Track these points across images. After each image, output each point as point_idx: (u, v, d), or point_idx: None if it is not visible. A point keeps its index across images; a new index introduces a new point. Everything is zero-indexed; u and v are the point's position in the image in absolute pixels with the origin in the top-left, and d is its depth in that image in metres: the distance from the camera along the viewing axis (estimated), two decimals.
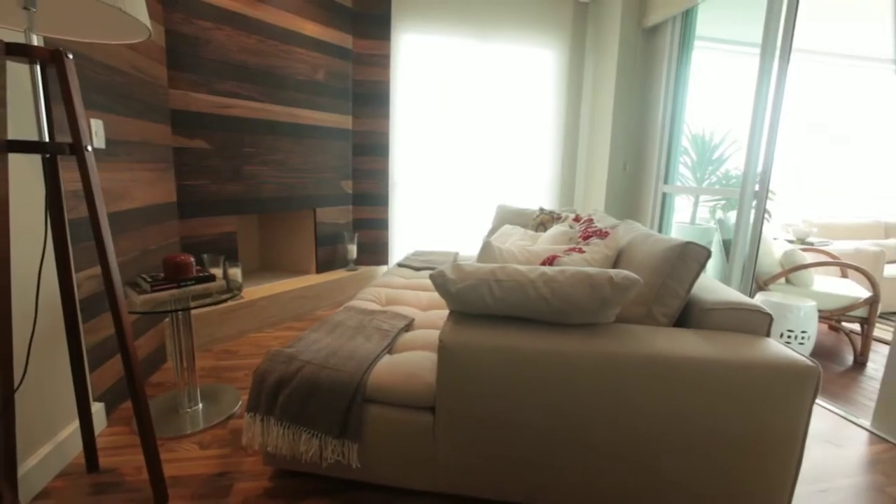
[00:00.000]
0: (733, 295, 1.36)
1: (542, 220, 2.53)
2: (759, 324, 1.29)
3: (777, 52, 2.37)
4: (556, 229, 2.04)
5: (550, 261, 1.48)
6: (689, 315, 1.39)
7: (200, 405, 1.92)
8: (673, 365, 1.16)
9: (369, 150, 3.56)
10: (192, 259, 1.82)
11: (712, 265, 3.12)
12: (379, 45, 3.44)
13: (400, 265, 2.78)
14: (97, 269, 1.76)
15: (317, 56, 3.09)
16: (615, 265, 1.61)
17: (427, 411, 1.31)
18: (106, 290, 1.26)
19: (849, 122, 4.75)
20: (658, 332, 1.27)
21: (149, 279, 1.74)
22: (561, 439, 1.23)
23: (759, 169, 2.45)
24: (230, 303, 2.62)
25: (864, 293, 2.64)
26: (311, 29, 3.02)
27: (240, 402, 1.96)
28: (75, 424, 1.60)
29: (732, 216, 2.65)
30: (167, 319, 2.40)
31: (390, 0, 3.39)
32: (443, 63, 3.67)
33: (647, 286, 1.37)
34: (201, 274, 1.83)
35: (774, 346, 1.20)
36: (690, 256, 1.32)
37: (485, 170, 3.88)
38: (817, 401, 2.11)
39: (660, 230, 3.36)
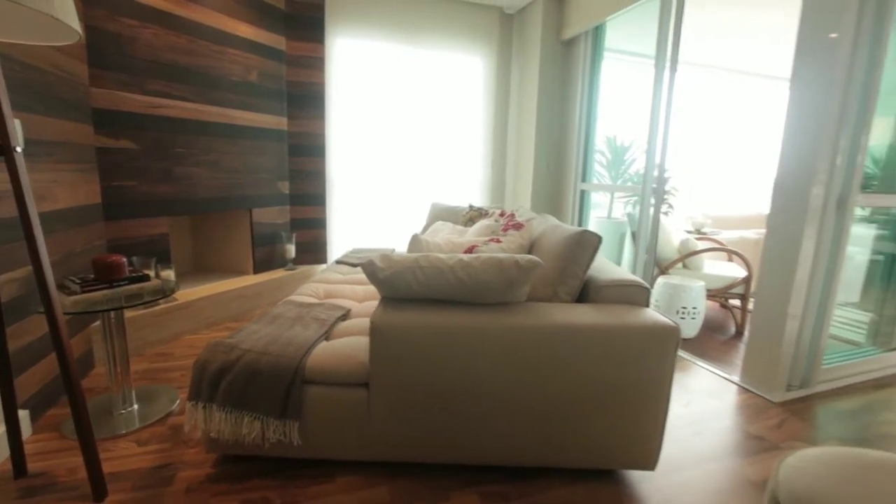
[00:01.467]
0: (621, 274, 1.62)
1: (471, 216, 2.74)
2: (640, 296, 1.56)
3: (667, 64, 2.74)
4: (481, 223, 2.25)
5: (470, 250, 1.68)
6: (587, 292, 1.63)
7: (136, 406, 1.92)
8: (569, 333, 1.39)
9: (306, 151, 3.60)
10: (125, 259, 1.83)
11: (626, 252, 3.50)
12: (313, 48, 3.50)
13: (338, 262, 2.88)
14: (17, 273, 1.72)
15: (250, 57, 3.11)
16: (529, 253, 1.84)
17: (362, 387, 1.45)
18: (39, 290, 1.28)
19: (740, 127, 5.45)
20: (560, 307, 1.50)
21: (77, 280, 1.73)
22: (478, 402, 1.43)
23: (656, 168, 2.82)
24: (164, 305, 2.59)
25: (742, 273, 3.10)
26: (243, 30, 3.03)
27: (178, 401, 1.98)
28: (1, 430, 1.57)
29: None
30: (96, 323, 2.34)
31: (323, 4, 3.47)
32: (377, 67, 3.79)
33: (552, 270, 1.59)
34: (134, 274, 1.84)
35: (649, 313, 1.47)
36: (586, 243, 1.56)
37: (420, 170, 4.06)
38: (704, 364, 2.48)
39: (579, 224, 3.71)
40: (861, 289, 2.80)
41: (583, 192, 3.66)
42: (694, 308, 2.82)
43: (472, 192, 4.24)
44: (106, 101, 2.39)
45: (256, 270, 3.36)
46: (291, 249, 3.51)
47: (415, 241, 1.74)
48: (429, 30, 3.86)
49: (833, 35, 1.87)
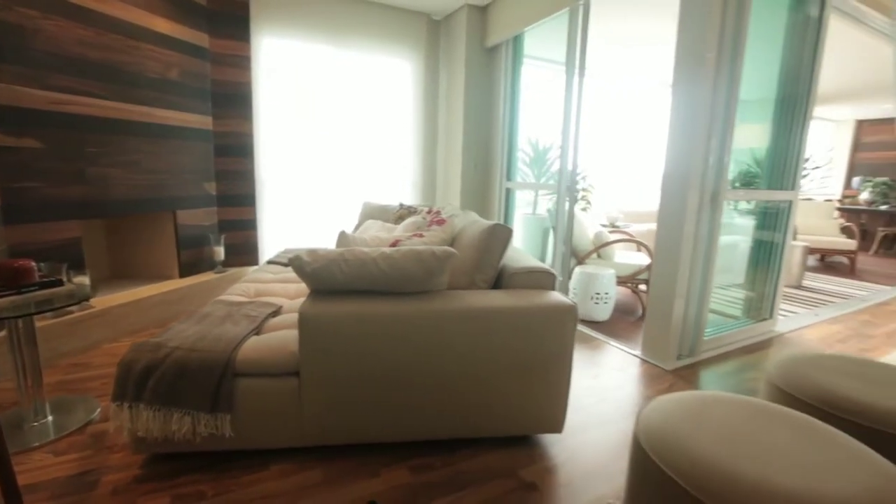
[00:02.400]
0: (531, 262, 1.82)
1: (401, 214, 2.86)
2: (547, 281, 1.76)
3: (576, 70, 3.02)
4: (409, 220, 2.38)
5: (395, 244, 1.80)
6: (502, 279, 1.81)
7: (50, 418, 1.84)
8: (484, 315, 1.55)
9: (233, 151, 3.54)
10: (34, 264, 1.75)
11: (549, 245, 3.78)
12: (238, 46, 3.44)
13: (269, 262, 2.88)
14: None
15: (170, 54, 3.01)
16: (451, 246, 1.99)
17: (292, 376, 1.53)
18: None
19: (647, 129, 6.02)
20: (477, 293, 1.66)
21: None
22: (405, 383, 1.55)
23: (570, 167, 3.10)
24: (79, 313, 2.46)
25: (647, 261, 3.48)
26: (161, 25, 2.93)
27: (99, 409, 1.92)
28: None
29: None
30: (2, 333, 2.18)
31: (248, 2, 3.42)
32: (307, 67, 3.80)
33: (469, 260, 1.76)
34: (46, 279, 1.77)
35: (553, 295, 1.67)
36: (498, 235, 1.74)
37: (352, 170, 4.11)
38: (614, 343, 2.78)
39: (505, 220, 3.95)
40: (745, 271, 3.26)
41: (508, 190, 3.90)
42: (606, 293, 3.13)
43: (404, 191, 4.36)
44: (4, 97, 2.24)
45: (183, 274, 3.25)
46: (220, 251, 3.43)
47: (342, 237, 1.83)
48: (358, 33, 3.93)
49: (702, 54, 2.20)
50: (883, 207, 6.79)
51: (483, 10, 3.84)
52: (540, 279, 1.75)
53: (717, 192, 2.39)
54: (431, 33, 4.22)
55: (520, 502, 1.43)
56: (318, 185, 4.01)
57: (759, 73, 2.86)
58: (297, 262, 1.49)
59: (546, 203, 4.23)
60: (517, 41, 3.73)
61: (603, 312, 3.16)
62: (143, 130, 2.87)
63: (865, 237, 7.20)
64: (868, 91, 6.18)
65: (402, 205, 3.06)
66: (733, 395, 1.16)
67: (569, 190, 3.13)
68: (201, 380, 1.45)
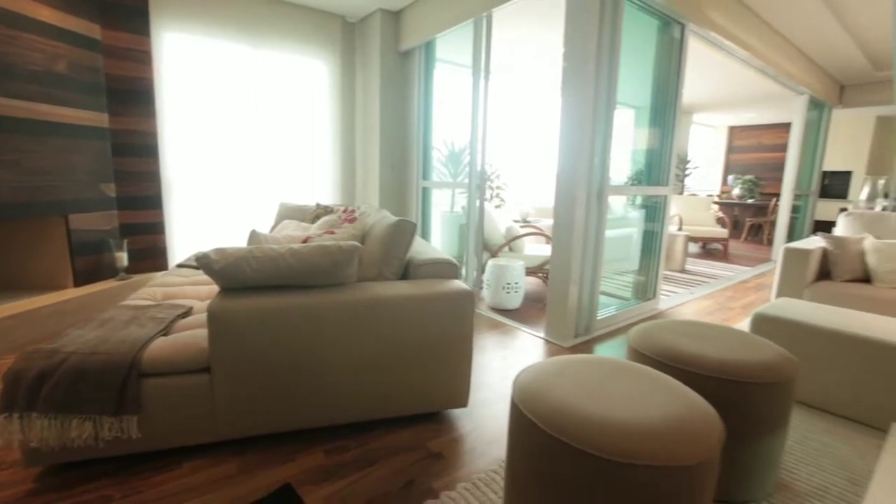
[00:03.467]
0: (436, 254, 1.99)
1: (318, 214, 2.91)
2: (450, 271, 1.93)
3: (482, 73, 3.26)
4: (324, 219, 2.45)
5: (305, 241, 1.88)
6: (409, 271, 1.96)
7: None
8: (389, 303, 1.69)
9: (135, 151, 3.34)
10: None
11: (466, 239, 3.99)
12: (137, 40, 3.26)
13: (180, 266, 2.79)
14: None
15: (55, 45, 2.79)
16: (363, 242, 2.10)
17: (203, 372, 1.56)
18: None
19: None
20: (384, 284, 1.79)
21: None
22: (317, 371, 1.64)
23: (479, 166, 3.34)
24: None
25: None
26: (44, 13, 2.72)
27: None
28: None
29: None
30: None
31: None
32: (217, 65, 3.68)
33: (377, 253, 1.88)
34: None
35: (454, 283, 1.85)
36: (403, 229, 1.88)
37: (269, 171, 4.05)
38: (524, 328, 3.05)
39: (422, 218, 4.12)
40: (638, 258, 3.70)
41: (425, 189, 4.08)
42: (516, 283, 3.41)
43: (325, 191, 4.37)
44: None
45: (79, 282, 3.03)
46: (123, 257, 3.24)
47: (253, 236, 1.87)
48: (270, 31, 3.87)
49: (583, 65, 2.51)
50: (750, 201, 7.92)
51: (396, 16, 3.97)
52: (443, 269, 1.92)
53: (602, 188, 2.73)
54: (347, 35, 4.27)
55: (426, 469, 1.59)
56: (233, 187, 3.90)
57: (638, 85, 3.28)
58: (204, 261, 1.52)
59: (463, 201, 4.46)
60: (429, 46, 3.91)
61: (514, 301, 3.43)
62: (24, 127, 2.64)
63: (737, 226, 8.35)
64: (736, 102, 7.19)
65: (318, 205, 3.10)
66: (595, 356, 1.40)
67: (479, 188, 3.36)
68: (103, 382, 1.43)
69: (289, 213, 3.18)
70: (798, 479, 1.58)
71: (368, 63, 4.13)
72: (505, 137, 6.00)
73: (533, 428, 1.11)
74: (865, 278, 2.87)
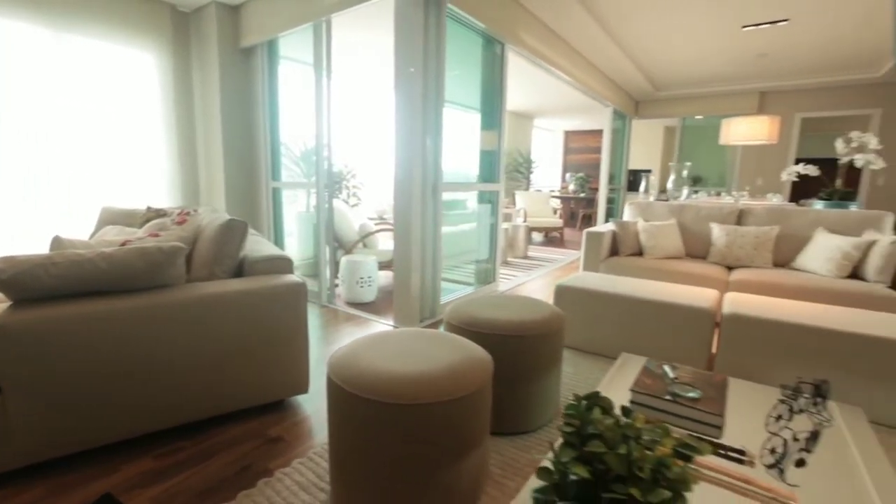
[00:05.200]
0: (270, 250, 2.06)
1: (149, 218, 2.73)
2: (284, 266, 2.03)
3: (324, 73, 3.36)
4: (153, 223, 2.33)
5: (124, 244, 1.80)
6: (244, 269, 2.00)
7: None
8: (220, 300, 1.73)
9: None
10: None
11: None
12: None
13: None
14: None
15: None
16: (195, 244, 2.07)
17: None
18: None
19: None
20: (216, 283, 1.82)
21: None
22: (137, 378, 1.61)
23: (326, 165, 3.44)
24: None
25: None
26: None
27: None
28: None
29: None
30: None
31: None
32: (12, 51, 3.14)
33: (208, 253, 1.89)
34: None
35: (287, 277, 1.95)
36: (234, 229, 1.92)
37: (88, 172, 3.59)
38: (376, 319, 3.24)
39: (274, 219, 4.07)
40: (480, 247, 4.15)
41: (275, 190, 4.03)
42: (370, 277, 3.60)
43: (162, 193, 4.02)
44: None
45: None
46: None
47: (55, 242, 1.73)
48: (81, 15, 3.43)
49: (412, 69, 2.78)
50: (582, 195, 9.30)
51: (235, 10, 3.84)
52: (278, 265, 2.01)
53: (437, 183, 3.05)
54: (179, 26, 3.98)
55: (265, 454, 1.68)
56: (37, 190, 3.37)
57: (472, 91, 3.70)
58: None
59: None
60: (272, 44, 3.86)
61: (368, 294, 3.62)
62: None
63: (574, 217, 9.74)
64: (563, 110, 8.39)
65: (149, 208, 2.89)
66: (412, 329, 1.65)
67: (328, 187, 3.46)
68: None
69: (113, 217, 2.90)
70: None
71: (206, 58, 3.91)
72: (359, 137, 6.14)
73: (341, 392, 1.30)
74: (640, 252, 3.69)
